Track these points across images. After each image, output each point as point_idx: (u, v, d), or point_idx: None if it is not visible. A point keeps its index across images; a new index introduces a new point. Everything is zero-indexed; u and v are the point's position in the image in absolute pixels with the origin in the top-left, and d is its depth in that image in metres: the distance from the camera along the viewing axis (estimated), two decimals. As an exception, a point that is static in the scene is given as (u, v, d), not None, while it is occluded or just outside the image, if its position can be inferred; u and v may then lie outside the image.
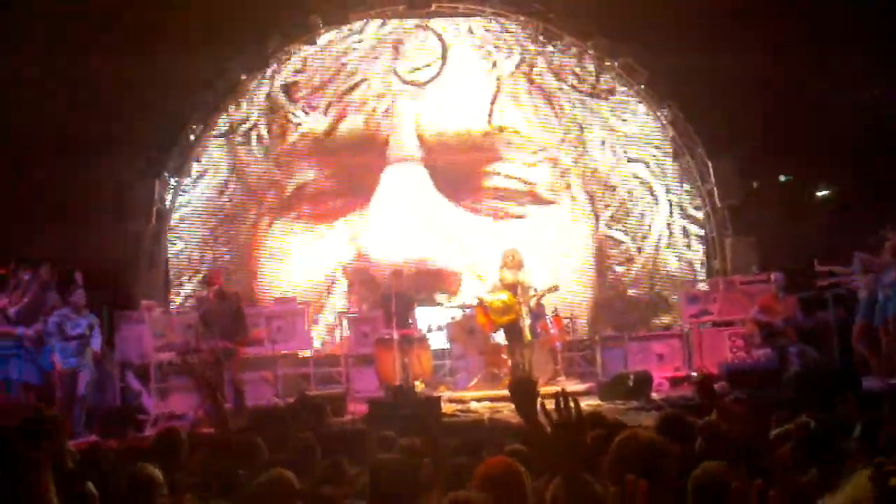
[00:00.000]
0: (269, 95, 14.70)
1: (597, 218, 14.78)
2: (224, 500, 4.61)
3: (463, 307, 12.79)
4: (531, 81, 14.87)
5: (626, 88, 14.96)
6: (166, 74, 13.02)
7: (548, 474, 3.97)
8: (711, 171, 14.46)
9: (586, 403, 9.37)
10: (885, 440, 4.89)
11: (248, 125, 14.67)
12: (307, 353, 12.96)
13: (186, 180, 14.48)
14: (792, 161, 14.55)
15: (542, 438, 4.30)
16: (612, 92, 14.97)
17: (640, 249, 14.76)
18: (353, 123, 14.60)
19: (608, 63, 14.86)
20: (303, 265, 14.35)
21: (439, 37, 14.85)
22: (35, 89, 12.58)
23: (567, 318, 12.94)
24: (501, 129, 14.58)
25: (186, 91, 14.06)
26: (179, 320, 12.21)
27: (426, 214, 14.29)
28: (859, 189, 13.69)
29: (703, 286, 14.04)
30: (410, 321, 12.02)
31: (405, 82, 14.73)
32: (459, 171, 14.51)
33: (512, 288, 11.11)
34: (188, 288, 14.21)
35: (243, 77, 14.44)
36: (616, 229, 14.82)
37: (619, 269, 14.76)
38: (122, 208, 13.47)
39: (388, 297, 11.88)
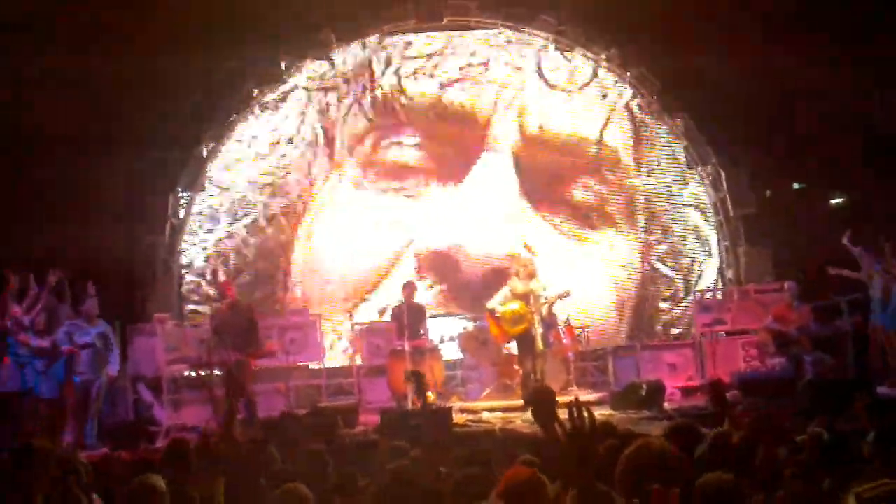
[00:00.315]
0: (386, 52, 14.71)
1: (650, 250, 14.73)
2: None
3: (475, 318, 12.76)
4: (632, 114, 14.91)
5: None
6: (181, 87, 13.11)
7: (560, 482, 3.96)
8: (724, 179, 14.43)
9: (598, 413, 9.31)
10: None
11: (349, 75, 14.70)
12: (320, 365, 12.96)
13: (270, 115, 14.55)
14: (805, 169, 14.52)
15: (558, 448, 4.28)
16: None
17: (687, 292, 14.58)
18: (458, 96, 14.63)
19: (621, 74, 14.87)
20: (370, 234, 14.26)
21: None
22: (49, 96, 12.61)
23: (579, 327, 12.88)
24: (607, 147, 14.66)
25: (200, 104, 14.12)
26: (192, 333, 12.21)
27: (508, 210, 14.28)
28: (874, 196, 13.62)
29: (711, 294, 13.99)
30: (422, 332, 12.00)
31: (545, 81, 14.76)
32: (548, 172, 14.58)
33: (524, 297, 11.06)
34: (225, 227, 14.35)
35: (255, 92, 14.49)
36: (668, 266, 14.77)
37: (663, 305, 14.64)
38: (136, 222, 13.52)
39: (401, 309, 11.87)
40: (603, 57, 14.82)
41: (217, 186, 14.41)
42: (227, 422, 8.72)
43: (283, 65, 14.49)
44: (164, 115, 13.27)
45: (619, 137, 14.79)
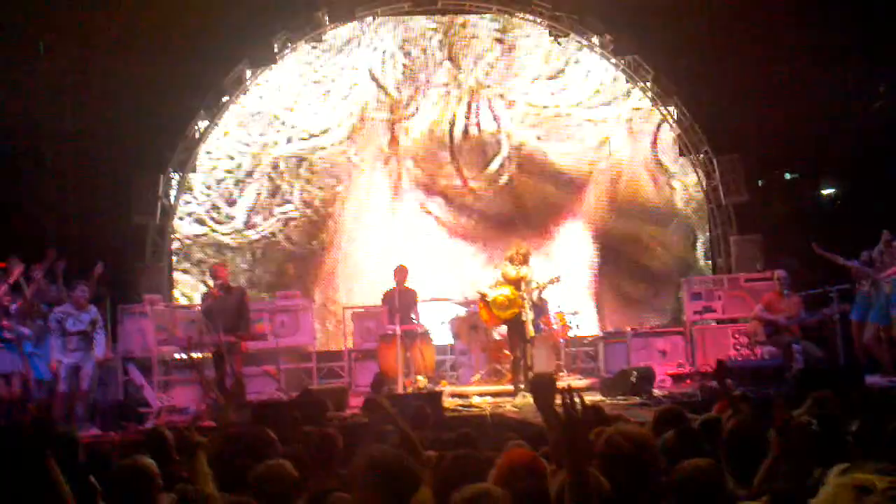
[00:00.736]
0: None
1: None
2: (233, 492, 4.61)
3: (466, 303, 12.76)
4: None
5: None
6: (172, 69, 13.05)
7: (554, 467, 3.97)
8: (717, 168, 14.44)
9: (588, 399, 9.34)
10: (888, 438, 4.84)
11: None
12: (310, 348, 12.96)
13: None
14: (797, 158, 14.53)
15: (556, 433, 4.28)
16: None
17: None
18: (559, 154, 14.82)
19: (614, 61, 14.86)
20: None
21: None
22: (43, 81, 12.52)
23: (570, 313, 12.89)
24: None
25: (193, 86, 14.06)
26: (182, 314, 12.22)
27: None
28: (865, 186, 13.64)
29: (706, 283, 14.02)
30: (413, 316, 12.00)
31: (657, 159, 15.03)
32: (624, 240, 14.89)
33: (515, 283, 11.03)
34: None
35: (248, 73, 14.44)
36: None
37: None
38: (126, 202, 13.47)
39: (392, 293, 11.87)
40: (596, 42, 14.81)
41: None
42: (217, 408, 8.77)
43: (275, 46, 14.45)
44: (156, 96, 13.19)
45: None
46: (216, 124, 14.45)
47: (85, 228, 12.21)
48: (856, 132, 13.49)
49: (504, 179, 14.71)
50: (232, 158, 14.51)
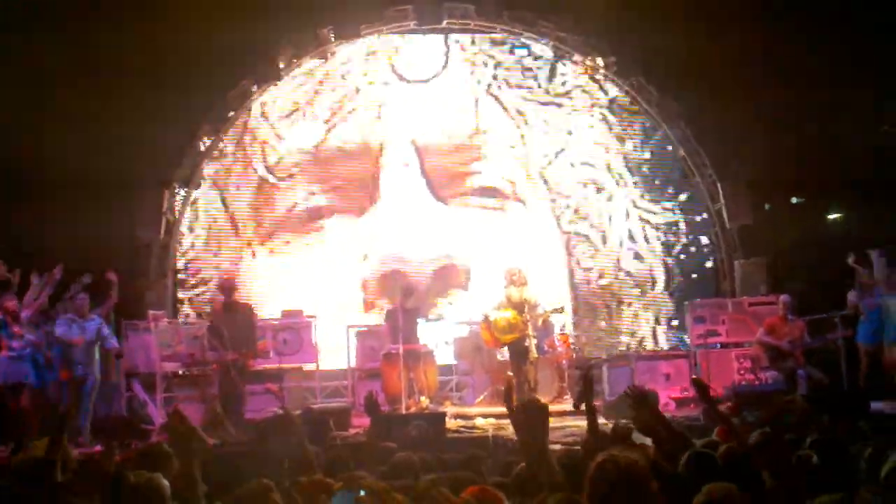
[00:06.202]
0: (247, 118, 14.74)
1: (558, 218, 15.04)
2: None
3: (469, 324, 12.74)
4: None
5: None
6: (178, 85, 13.08)
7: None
8: (721, 191, 14.43)
9: (603, 422, 9.31)
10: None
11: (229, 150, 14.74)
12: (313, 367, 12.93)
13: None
14: (805, 183, 14.54)
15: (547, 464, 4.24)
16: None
17: (604, 242, 15.00)
18: (345, 133, 14.78)
19: (619, 82, 14.89)
20: (304, 287, 14.31)
21: (446, 36, 15.02)
22: (47, 94, 12.55)
23: (574, 335, 12.87)
24: (484, 132, 14.93)
25: (197, 102, 14.11)
26: (186, 331, 12.19)
27: (426, 217, 14.67)
28: (871, 211, 13.62)
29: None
30: (417, 336, 11.96)
31: (404, 80, 14.88)
32: (446, 172, 14.90)
33: (518, 306, 11.03)
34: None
35: (254, 89, 14.48)
36: (580, 225, 15.04)
37: (589, 263, 14.98)
38: (131, 217, 13.49)
39: (395, 312, 11.85)
40: (601, 64, 14.85)
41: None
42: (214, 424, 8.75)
43: (280, 63, 14.50)
44: (161, 111, 13.23)
45: (494, 119, 15.03)
46: (221, 140, 14.49)
47: (89, 244, 12.19)
48: (864, 157, 13.49)
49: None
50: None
